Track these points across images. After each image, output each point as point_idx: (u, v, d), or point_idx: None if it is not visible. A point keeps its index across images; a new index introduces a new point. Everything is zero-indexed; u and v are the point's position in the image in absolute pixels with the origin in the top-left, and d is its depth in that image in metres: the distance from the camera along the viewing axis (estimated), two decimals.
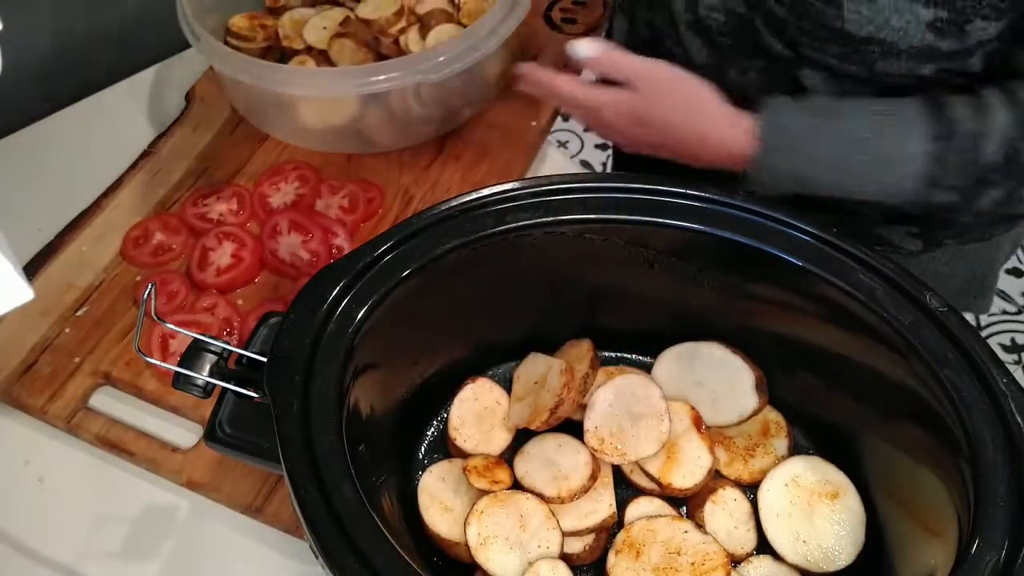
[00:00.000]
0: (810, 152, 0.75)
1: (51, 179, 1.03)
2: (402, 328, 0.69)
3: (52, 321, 0.89)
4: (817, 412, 0.74)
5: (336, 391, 0.62)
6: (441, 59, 0.93)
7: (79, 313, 0.90)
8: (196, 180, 1.01)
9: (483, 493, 0.70)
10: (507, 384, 0.78)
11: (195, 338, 0.67)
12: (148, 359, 0.67)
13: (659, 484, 0.71)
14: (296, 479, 0.58)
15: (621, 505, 0.71)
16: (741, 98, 0.79)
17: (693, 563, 0.66)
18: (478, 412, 0.76)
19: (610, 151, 2.18)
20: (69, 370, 0.86)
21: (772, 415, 0.75)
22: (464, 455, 0.74)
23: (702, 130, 0.78)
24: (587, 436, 0.72)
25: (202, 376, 0.65)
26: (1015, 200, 0.75)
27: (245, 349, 0.68)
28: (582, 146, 2.24)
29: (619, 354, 0.80)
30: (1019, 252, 1.98)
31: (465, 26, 1.02)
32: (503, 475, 0.72)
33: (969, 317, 0.82)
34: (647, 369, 0.77)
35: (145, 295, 0.68)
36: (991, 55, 0.73)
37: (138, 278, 0.93)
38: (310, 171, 1.00)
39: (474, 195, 0.71)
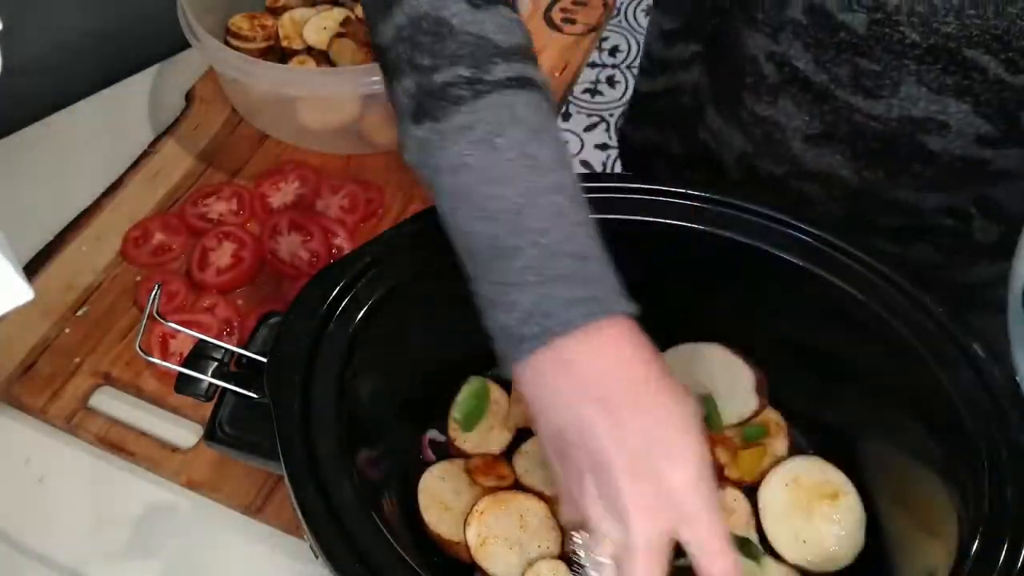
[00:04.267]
0: None
1: (51, 179, 1.03)
2: (402, 328, 0.69)
3: (52, 321, 0.89)
4: (817, 412, 0.74)
5: (336, 391, 0.63)
6: None
7: (79, 313, 0.90)
8: (196, 180, 1.01)
9: (483, 493, 0.70)
10: (507, 384, 0.77)
11: (199, 341, 0.67)
12: (149, 358, 0.67)
13: None
14: (296, 479, 0.58)
15: None
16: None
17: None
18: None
19: (610, 151, 2.18)
20: (69, 370, 0.86)
21: (772, 415, 0.75)
22: (464, 455, 0.74)
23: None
24: None
25: (206, 378, 0.65)
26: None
27: (245, 349, 0.68)
28: (582, 146, 2.24)
29: None
30: None
31: None
32: (505, 470, 0.72)
33: None
34: None
35: (152, 295, 0.68)
36: None
37: (138, 278, 0.93)
38: (310, 171, 1.00)
39: None
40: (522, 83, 0.59)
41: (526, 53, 0.61)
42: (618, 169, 1.24)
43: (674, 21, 0.84)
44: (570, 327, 0.55)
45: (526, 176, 0.57)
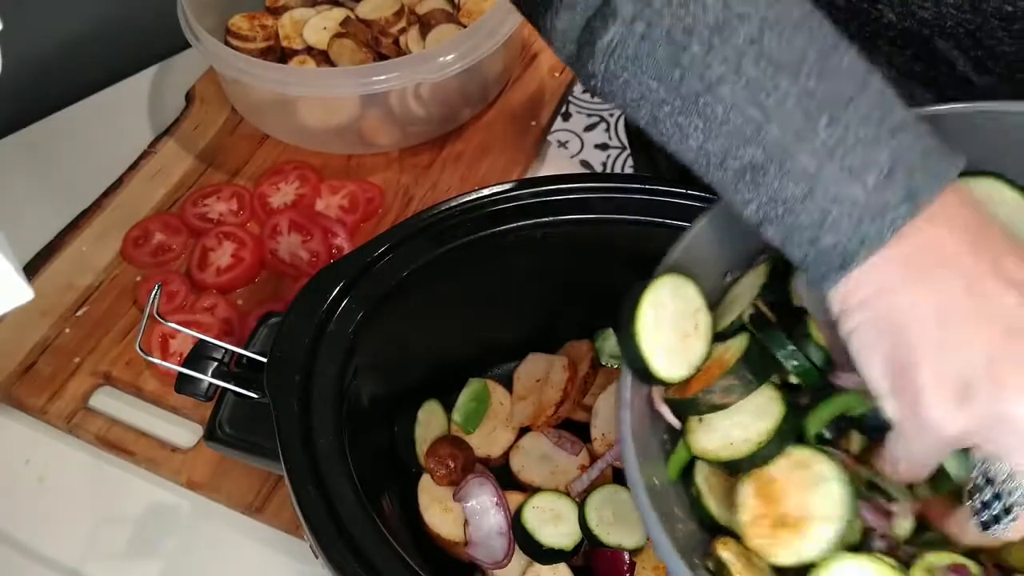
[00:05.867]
0: None
1: (51, 179, 1.03)
2: (402, 328, 0.69)
3: (52, 321, 0.89)
4: None
5: (336, 391, 0.63)
6: (441, 59, 0.93)
7: (79, 313, 0.90)
8: (196, 180, 1.01)
9: None
10: (507, 384, 0.77)
11: (200, 341, 0.67)
12: (149, 358, 0.67)
13: None
14: (296, 479, 0.58)
15: None
16: None
17: None
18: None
19: (610, 151, 2.18)
20: (69, 370, 0.86)
21: None
22: None
23: None
24: (595, 444, 0.72)
25: (206, 378, 0.66)
26: None
27: (245, 349, 0.68)
28: (582, 146, 2.24)
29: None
30: None
31: (465, 26, 1.03)
32: None
33: None
34: None
35: (153, 295, 0.68)
36: None
37: (138, 278, 0.93)
38: (310, 171, 1.00)
39: (474, 195, 0.71)
40: None
41: None
42: (619, 169, 1.24)
43: None
44: (942, 182, 0.44)
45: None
